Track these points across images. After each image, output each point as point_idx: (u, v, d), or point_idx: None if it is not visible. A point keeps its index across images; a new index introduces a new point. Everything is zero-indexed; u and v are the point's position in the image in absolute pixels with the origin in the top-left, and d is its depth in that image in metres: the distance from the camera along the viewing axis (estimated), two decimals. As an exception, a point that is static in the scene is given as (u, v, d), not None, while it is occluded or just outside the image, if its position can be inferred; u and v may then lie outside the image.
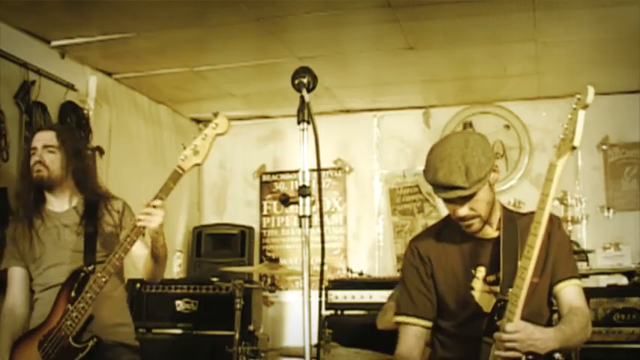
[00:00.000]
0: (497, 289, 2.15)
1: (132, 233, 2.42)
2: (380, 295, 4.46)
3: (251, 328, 4.40)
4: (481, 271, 2.23)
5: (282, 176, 6.05)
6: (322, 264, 1.85)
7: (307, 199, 1.81)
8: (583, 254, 4.22)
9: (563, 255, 2.22)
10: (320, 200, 1.86)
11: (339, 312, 4.60)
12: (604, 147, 5.29)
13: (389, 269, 5.62)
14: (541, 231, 1.94)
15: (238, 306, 3.78)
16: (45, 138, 2.72)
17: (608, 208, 5.20)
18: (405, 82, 5.20)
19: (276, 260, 5.79)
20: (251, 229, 5.76)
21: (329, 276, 5.20)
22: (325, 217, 5.60)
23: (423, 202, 5.65)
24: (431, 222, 5.04)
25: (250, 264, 5.57)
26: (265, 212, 6.07)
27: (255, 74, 4.93)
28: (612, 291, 3.91)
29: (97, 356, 2.48)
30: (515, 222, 2.24)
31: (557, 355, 2.18)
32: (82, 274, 2.55)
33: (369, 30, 4.12)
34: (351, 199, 5.90)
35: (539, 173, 5.35)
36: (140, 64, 4.67)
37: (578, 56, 4.54)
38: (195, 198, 6.13)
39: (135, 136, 5.15)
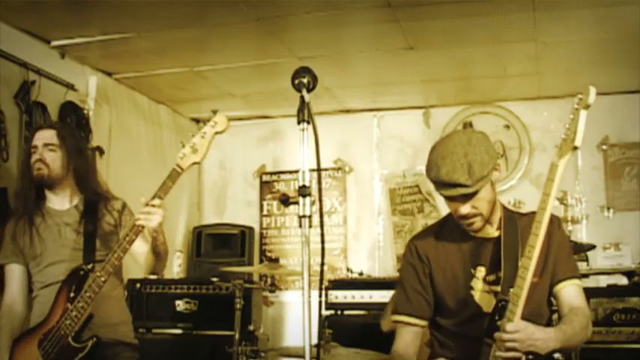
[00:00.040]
0: (497, 288, 2.15)
1: (131, 232, 2.42)
2: (380, 295, 4.46)
3: (251, 328, 4.40)
4: (481, 271, 2.22)
5: (282, 176, 6.05)
6: (322, 264, 1.85)
7: (307, 199, 1.81)
8: (583, 254, 4.22)
9: (563, 255, 2.22)
10: (320, 200, 1.86)
11: (339, 312, 4.59)
12: (604, 147, 5.29)
13: (389, 269, 5.62)
14: (542, 231, 1.94)
15: (238, 306, 3.77)
16: (46, 136, 2.72)
17: (608, 208, 5.20)
18: (405, 82, 5.20)
19: (276, 260, 5.80)
20: (251, 229, 5.76)
21: (329, 276, 5.20)
22: (325, 217, 5.60)
23: (423, 202, 5.65)
24: (431, 222, 5.03)
25: (250, 264, 5.57)
26: (265, 212, 6.07)
27: (255, 74, 4.93)
28: (612, 291, 3.90)
29: (96, 356, 2.48)
30: (516, 222, 2.24)
31: (557, 355, 2.18)
32: (82, 272, 2.55)
33: (369, 30, 4.12)
34: (351, 199, 5.90)
35: (539, 173, 5.36)
36: (140, 64, 4.67)
37: (578, 56, 4.54)
38: (195, 198, 6.13)
39: (135, 136, 5.15)
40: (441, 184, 2.12)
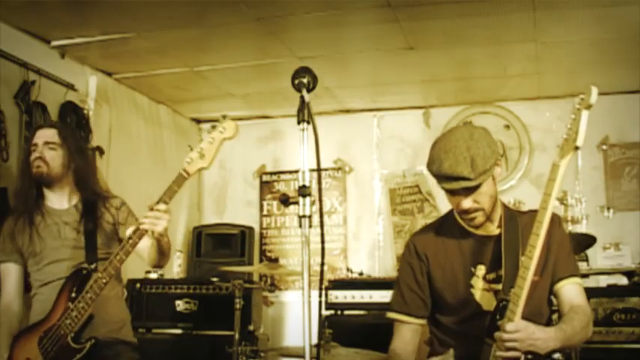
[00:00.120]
0: (498, 287, 2.16)
1: (134, 236, 2.41)
2: (380, 295, 4.46)
3: (251, 328, 4.40)
4: (481, 270, 2.22)
5: (282, 176, 6.04)
6: (322, 264, 1.85)
7: (307, 199, 1.82)
8: (583, 254, 4.22)
9: (563, 253, 2.22)
10: (320, 200, 1.86)
11: (339, 312, 4.59)
12: (604, 147, 5.29)
13: (389, 269, 5.62)
14: (543, 230, 1.94)
15: (238, 306, 3.77)
16: (46, 135, 2.72)
17: (608, 208, 5.20)
18: (405, 82, 5.20)
19: (276, 260, 5.80)
20: (251, 229, 5.76)
21: (329, 276, 5.20)
22: (325, 217, 5.60)
23: (423, 202, 5.65)
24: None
25: (250, 264, 5.57)
26: (265, 212, 6.06)
27: (255, 74, 4.93)
28: (612, 291, 3.91)
29: (95, 357, 2.48)
30: (517, 220, 2.24)
31: (557, 355, 2.18)
32: (84, 272, 2.55)
33: (369, 30, 4.12)
34: (351, 199, 5.90)
35: (539, 173, 5.36)
36: (140, 64, 4.67)
37: (578, 56, 4.54)
38: (195, 198, 6.13)
39: (135, 136, 5.15)
40: (443, 178, 2.12)
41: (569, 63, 4.69)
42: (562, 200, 4.85)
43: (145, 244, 2.58)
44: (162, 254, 2.59)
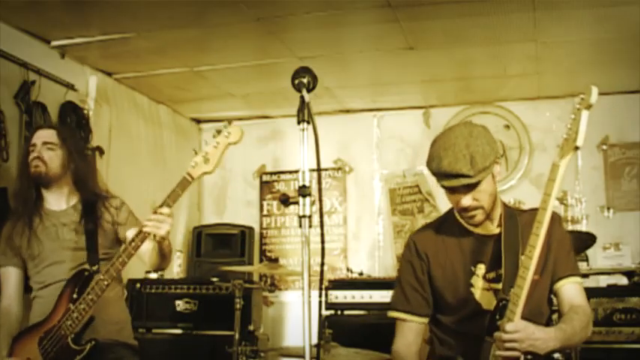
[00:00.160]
0: (498, 286, 2.15)
1: (137, 239, 2.40)
2: (380, 295, 4.46)
3: (251, 328, 4.40)
4: (481, 269, 2.22)
5: (282, 176, 6.04)
6: (322, 264, 1.85)
7: (307, 199, 1.82)
8: (583, 254, 4.22)
9: (563, 253, 2.22)
10: (320, 200, 1.86)
11: (339, 312, 4.59)
12: (604, 147, 5.29)
13: (389, 269, 5.62)
14: (543, 231, 1.94)
15: (238, 306, 3.77)
16: (45, 135, 2.72)
17: (608, 208, 5.20)
18: (405, 82, 5.20)
19: (276, 260, 5.80)
20: (251, 229, 5.76)
21: (329, 276, 5.20)
22: (325, 217, 5.60)
23: (423, 202, 5.65)
24: (431, 222, 5.05)
25: (250, 264, 5.57)
26: (265, 212, 6.07)
27: (255, 74, 4.93)
28: (612, 291, 3.91)
29: (95, 359, 2.48)
30: (516, 219, 2.23)
31: (556, 355, 2.18)
32: (86, 273, 2.55)
33: (369, 30, 4.12)
34: (351, 199, 5.90)
35: (539, 173, 5.36)
36: (140, 64, 4.67)
37: (578, 56, 4.54)
38: (195, 198, 6.13)
39: (135, 136, 5.15)
40: (442, 175, 2.12)
41: (569, 63, 4.69)
42: (562, 200, 4.86)
43: (147, 247, 2.57)
44: (163, 257, 2.58)
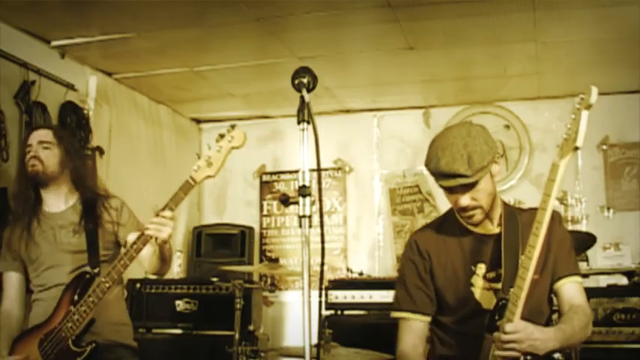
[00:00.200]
0: (498, 286, 2.15)
1: (139, 242, 2.40)
2: (380, 295, 4.46)
3: (251, 328, 4.40)
4: (481, 268, 2.22)
5: (282, 176, 6.05)
6: (322, 264, 1.85)
7: (307, 199, 1.81)
8: (584, 254, 4.22)
9: (563, 252, 2.22)
10: (320, 200, 1.86)
11: (339, 312, 4.59)
12: (604, 147, 5.29)
13: (389, 269, 5.62)
14: (542, 231, 1.94)
15: (238, 306, 3.77)
16: (40, 135, 2.72)
17: (608, 208, 5.20)
18: (405, 82, 5.20)
19: (276, 260, 5.80)
20: (251, 229, 5.76)
21: (329, 276, 5.20)
22: (325, 217, 5.60)
23: (423, 202, 5.65)
24: (431, 222, 5.05)
25: (250, 264, 5.57)
26: (265, 212, 6.07)
27: (255, 74, 4.93)
28: (612, 291, 3.91)
29: None
30: (517, 218, 2.23)
31: (556, 355, 2.17)
32: (87, 276, 2.55)
33: (369, 30, 4.12)
34: (351, 199, 5.90)
35: (539, 173, 5.36)
36: (140, 64, 4.67)
37: (578, 56, 4.54)
38: (195, 198, 6.13)
39: (135, 136, 5.15)
40: (440, 175, 2.12)
41: (569, 63, 4.69)
42: (562, 200, 4.86)
43: (147, 252, 2.56)
44: (163, 261, 2.58)
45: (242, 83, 5.16)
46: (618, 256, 4.80)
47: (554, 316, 2.28)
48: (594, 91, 1.85)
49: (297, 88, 1.88)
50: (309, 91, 1.88)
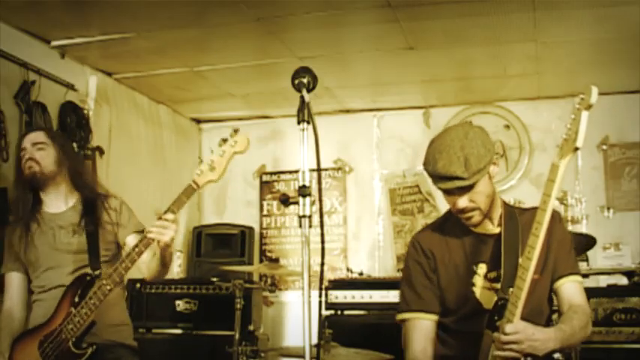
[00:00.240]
0: (498, 285, 2.15)
1: (140, 244, 2.40)
2: (380, 295, 4.46)
3: (251, 328, 4.40)
4: (482, 268, 2.22)
5: (282, 176, 6.04)
6: (322, 264, 1.85)
7: (307, 199, 1.81)
8: (584, 255, 4.22)
9: (564, 251, 2.22)
10: (320, 200, 1.86)
11: (339, 312, 4.59)
12: (604, 147, 5.29)
13: (389, 269, 5.62)
14: (542, 231, 1.93)
15: (238, 306, 3.77)
16: (33, 137, 2.73)
17: (608, 208, 5.20)
18: (405, 82, 5.20)
19: (276, 260, 5.80)
20: (251, 229, 5.76)
21: (329, 276, 5.20)
22: (325, 217, 5.60)
23: (423, 202, 5.65)
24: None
25: (250, 264, 5.57)
26: (265, 212, 6.06)
27: (255, 74, 4.93)
28: (612, 291, 3.91)
29: None
30: (517, 218, 2.23)
31: (556, 355, 2.17)
32: (88, 278, 2.55)
33: (369, 30, 4.12)
34: (351, 199, 5.90)
35: (539, 173, 5.36)
36: (140, 64, 4.67)
37: (578, 56, 4.54)
38: (195, 198, 6.12)
39: (135, 136, 5.15)
40: (437, 178, 2.13)
41: (569, 63, 4.69)
42: (562, 200, 4.85)
43: (146, 256, 2.55)
44: (163, 265, 2.58)
45: (242, 83, 5.16)
46: (618, 256, 4.80)
47: (554, 316, 2.28)
48: (594, 91, 1.84)
49: (297, 88, 1.88)
50: (309, 91, 1.88)
